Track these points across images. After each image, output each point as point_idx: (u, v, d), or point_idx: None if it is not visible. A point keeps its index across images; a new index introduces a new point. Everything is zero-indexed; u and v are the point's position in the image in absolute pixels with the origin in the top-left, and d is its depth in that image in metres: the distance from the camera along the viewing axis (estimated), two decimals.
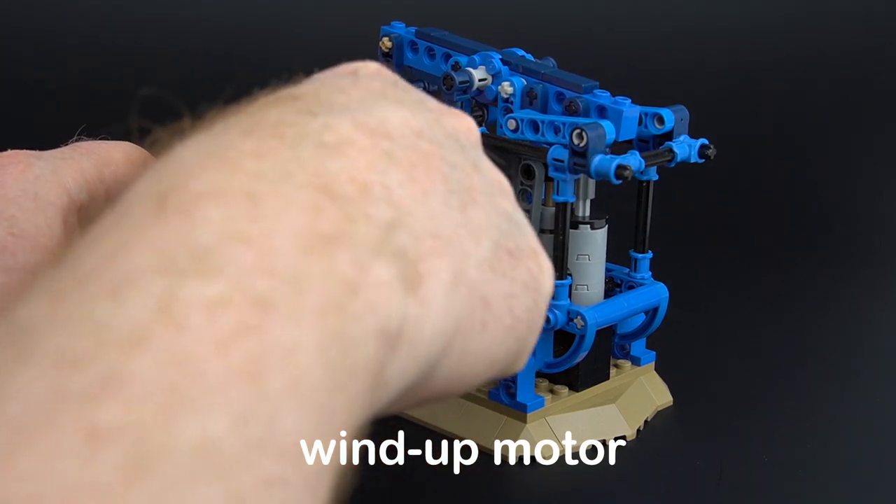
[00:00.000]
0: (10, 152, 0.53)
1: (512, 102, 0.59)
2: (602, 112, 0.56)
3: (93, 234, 0.30)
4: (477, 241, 0.36)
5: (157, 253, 0.28)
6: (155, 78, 1.09)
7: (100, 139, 0.57)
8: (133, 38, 1.13)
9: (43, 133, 0.59)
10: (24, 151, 0.53)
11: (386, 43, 0.64)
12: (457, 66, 0.61)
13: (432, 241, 0.33)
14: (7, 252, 0.48)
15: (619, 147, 0.57)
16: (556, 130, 0.56)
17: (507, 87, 0.59)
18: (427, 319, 0.32)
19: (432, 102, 0.39)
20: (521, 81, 0.59)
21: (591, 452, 0.59)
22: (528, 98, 0.58)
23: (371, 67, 0.41)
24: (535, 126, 0.57)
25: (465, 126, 0.39)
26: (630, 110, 0.56)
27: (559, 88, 0.58)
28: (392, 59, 0.64)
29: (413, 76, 0.65)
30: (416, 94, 0.39)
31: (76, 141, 0.57)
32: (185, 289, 0.27)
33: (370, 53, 0.67)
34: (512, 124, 0.58)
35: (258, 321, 0.27)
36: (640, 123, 0.59)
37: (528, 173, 0.59)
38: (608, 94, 0.57)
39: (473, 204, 0.36)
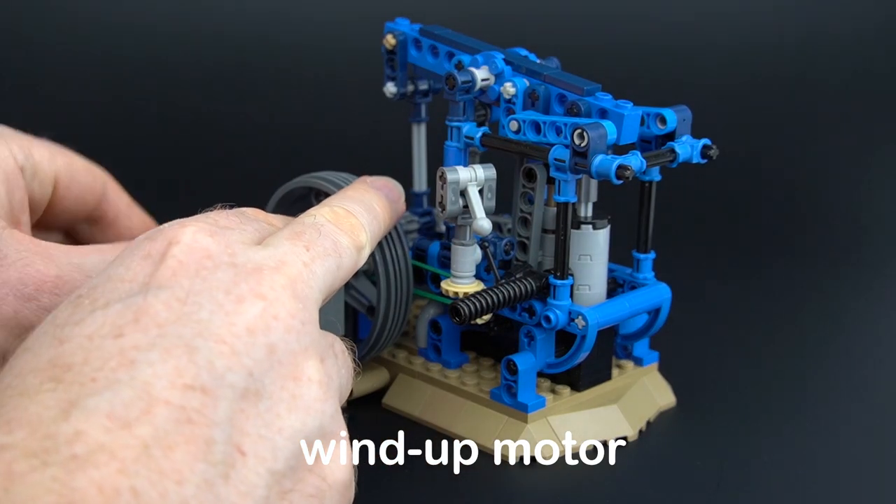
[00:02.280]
0: None
1: (514, 103, 0.59)
2: (603, 115, 0.56)
3: None
4: None
5: None
6: (158, 74, 1.09)
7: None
8: (136, 36, 1.13)
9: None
10: None
11: (390, 40, 0.64)
12: (460, 66, 0.61)
13: None
14: None
15: (620, 148, 0.57)
16: (558, 131, 0.56)
17: (509, 88, 0.59)
18: None
19: (225, 308, 0.39)
20: (524, 82, 0.59)
21: (593, 453, 0.59)
22: (531, 99, 0.58)
23: (182, 249, 0.40)
24: (536, 127, 0.57)
25: (262, 324, 0.39)
26: (632, 114, 0.56)
27: (561, 90, 0.58)
28: (396, 56, 0.64)
29: (416, 73, 0.65)
30: (213, 300, 0.39)
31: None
32: None
33: (374, 49, 0.67)
34: (514, 125, 0.58)
35: None
36: (642, 124, 0.58)
37: (530, 176, 0.59)
38: (610, 96, 0.57)
39: (241, 460, 0.36)
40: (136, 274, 0.40)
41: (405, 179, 0.61)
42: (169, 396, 0.36)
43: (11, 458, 0.33)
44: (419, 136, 0.68)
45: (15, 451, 0.33)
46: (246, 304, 0.39)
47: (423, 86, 0.66)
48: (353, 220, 0.49)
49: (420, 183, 0.69)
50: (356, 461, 0.44)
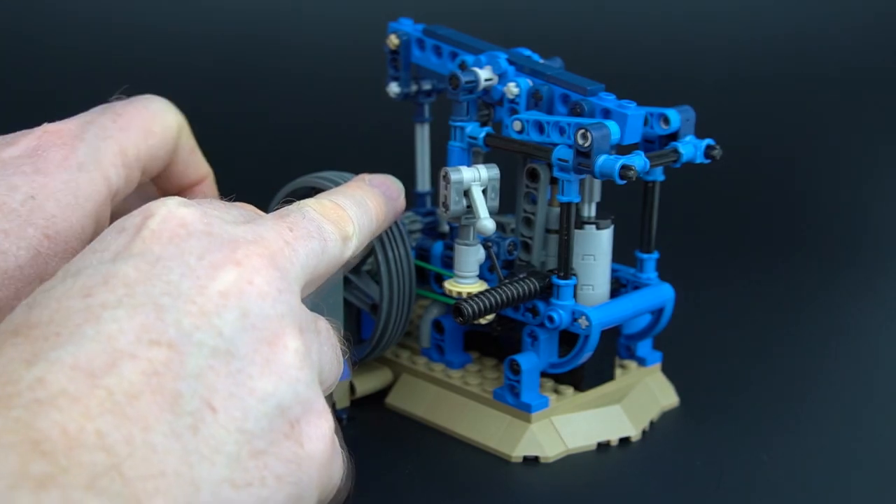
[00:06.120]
0: (52, 128, 0.51)
1: (517, 103, 0.59)
2: (607, 115, 0.56)
3: None
4: (211, 461, 0.36)
5: None
6: (162, 71, 1.09)
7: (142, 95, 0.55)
8: (140, 29, 1.13)
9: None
10: (66, 127, 0.51)
11: (393, 40, 0.64)
12: (463, 66, 0.61)
13: (152, 480, 0.34)
14: (40, 258, 0.47)
15: (624, 148, 0.57)
16: (562, 131, 0.56)
17: (512, 88, 0.59)
18: None
19: (196, 273, 0.39)
20: (527, 83, 0.59)
21: (596, 453, 0.59)
22: (534, 99, 0.58)
23: (157, 220, 0.40)
24: (540, 127, 0.57)
25: (236, 287, 0.39)
26: (635, 114, 0.56)
27: (565, 90, 0.58)
28: (399, 57, 0.64)
29: (419, 73, 0.65)
30: (184, 264, 0.39)
31: (118, 98, 0.55)
32: None
33: (378, 49, 0.67)
34: (517, 125, 0.58)
35: None
36: (645, 124, 0.58)
37: (534, 176, 0.59)
38: (614, 96, 0.57)
39: (211, 415, 0.36)
40: (110, 245, 0.40)
41: (408, 179, 0.61)
42: (134, 350, 0.36)
43: None
44: (422, 135, 0.68)
45: None
46: (219, 270, 0.39)
47: (427, 86, 0.66)
48: (340, 211, 0.49)
49: (423, 182, 0.69)
50: (343, 445, 0.44)
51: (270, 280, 0.40)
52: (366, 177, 0.55)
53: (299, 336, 0.40)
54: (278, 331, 0.40)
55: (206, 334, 0.38)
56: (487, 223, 0.57)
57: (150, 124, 0.54)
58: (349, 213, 0.49)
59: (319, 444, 0.40)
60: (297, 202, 0.48)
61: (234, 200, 0.47)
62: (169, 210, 0.41)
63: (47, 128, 0.51)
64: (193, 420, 0.36)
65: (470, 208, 0.57)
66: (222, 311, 0.38)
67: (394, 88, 0.65)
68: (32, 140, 0.50)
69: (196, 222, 0.41)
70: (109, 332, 0.36)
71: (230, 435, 0.37)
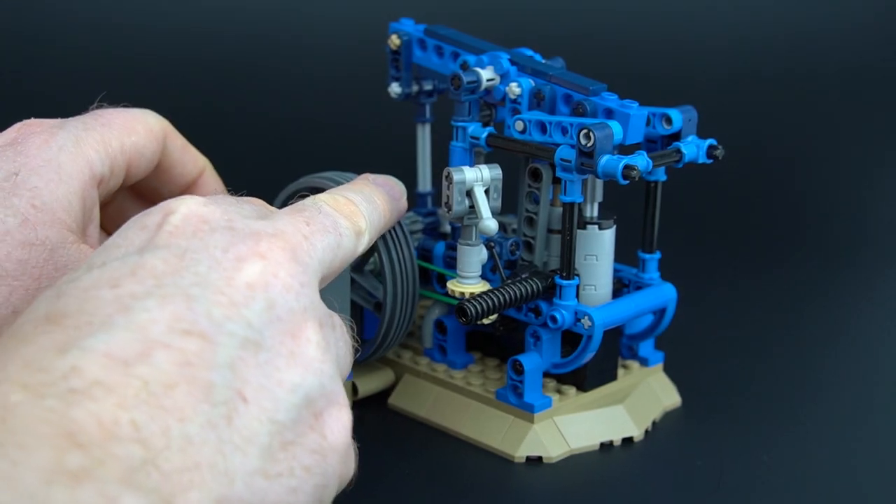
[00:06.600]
0: (32, 121, 0.52)
1: (519, 103, 0.59)
2: (609, 115, 0.56)
3: None
4: (244, 452, 0.36)
5: None
6: (159, 73, 1.09)
7: (121, 106, 0.56)
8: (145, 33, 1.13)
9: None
10: (47, 120, 0.52)
11: (394, 40, 0.64)
12: (465, 66, 0.61)
13: (187, 473, 0.34)
14: (28, 225, 0.48)
15: (626, 148, 0.57)
16: (564, 131, 0.56)
17: (514, 88, 0.59)
18: None
19: (223, 265, 0.39)
20: (529, 83, 0.59)
21: (599, 453, 0.59)
22: (536, 99, 0.58)
23: (178, 216, 0.41)
24: (542, 127, 0.57)
25: (262, 281, 0.39)
26: (637, 113, 0.55)
27: (567, 90, 0.58)
28: (400, 57, 0.64)
29: (421, 74, 0.65)
30: (211, 257, 0.39)
31: (98, 108, 0.56)
32: None
33: (379, 48, 0.67)
34: (520, 125, 0.58)
35: None
36: (647, 124, 0.58)
37: (536, 175, 0.59)
38: (616, 96, 0.56)
39: (243, 406, 0.36)
40: (133, 240, 0.40)
41: (410, 179, 0.61)
42: (167, 340, 0.36)
43: (7, 391, 0.33)
44: (424, 136, 0.68)
45: (9, 385, 0.33)
46: (244, 262, 0.39)
47: (428, 86, 0.66)
48: (352, 206, 0.49)
49: (424, 183, 0.69)
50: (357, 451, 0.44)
51: (293, 273, 0.41)
52: (369, 176, 0.55)
53: (319, 330, 0.41)
54: (301, 324, 0.40)
55: (237, 325, 0.37)
56: (490, 223, 0.57)
57: (133, 123, 0.55)
58: (361, 209, 0.49)
59: (341, 435, 0.40)
60: (311, 197, 0.48)
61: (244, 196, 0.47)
62: (188, 207, 0.41)
63: (26, 121, 0.52)
64: (227, 410, 0.36)
65: (472, 208, 0.57)
66: (251, 303, 0.38)
67: (395, 89, 0.65)
68: (12, 132, 0.51)
69: (217, 218, 0.41)
70: (141, 322, 0.36)
71: (263, 426, 0.37)
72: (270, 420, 0.37)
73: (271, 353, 0.38)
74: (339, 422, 0.40)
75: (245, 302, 0.38)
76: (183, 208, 0.41)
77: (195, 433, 0.35)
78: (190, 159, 0.58)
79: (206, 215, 0.41)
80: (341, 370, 0.43)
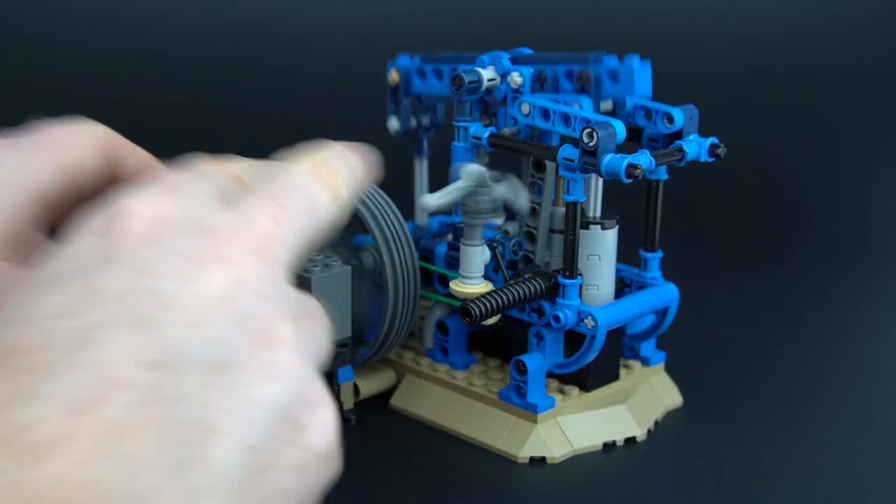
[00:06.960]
0: None
1: (521, 93, 0.58)
2: (615, 77, 0.56)
3: None
4: (217, 491, 0.34)
5: None
6: (153, 81, 1.09)
7: (57, 120, 0.55)
8: (134, 41, 1.13)
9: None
10: None
11: (394, 76, 0.64)
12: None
13: None
14: None
15: (629, 146, 0.57)
16: (567, 121, 0.56)
17: (516, 78, 0.58)
18: None
19: (189, 278, 0.36)
20: (529, 70, 0.59)
21: (602, 453, 0.59)
22: (539, 82, 0.58)
23: (135, 221, 0.37)
24: (545, 114, 0.57)
25: (225, 285, 0.37)
26: (641, 67, 0.55)
27: (567, 66, 0.58)
28: (399, 92, 0.65)
29: (419, 107, 0.65)
30: (173, 268, 0.36)
31: (37, 122, 0.55)
32: None
33: (379, 49, 0.67)
34: (525, 108, 0.57)
35: None
36: (649, 120, 0.58)
37: (539, 166, 0.59)
38: (615, 57, 0.56)
39: (215, 438, 0.34)
40: (83, 250, 0.37)
41: (407, 209, 0.61)
42: (130, 376, 0.33)
43: None
44: (421, 170, 0.67)
45: None
46: (210, 270, 0.36)
47: (426, 121, 0.66)
48: (334, 174, 0.46)
49: (422, 216, 0.67)
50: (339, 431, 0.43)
51: (263, 276, 0.38)
52: (337, 144, 0.53)
53: (294, 329, 0.39)
54: (273, 328, 0.38)
55: (205, 348, 0.35)
56: (428, 199, 0.57)
57: (68, 136, 0.53)
58: (340, 172, 0.47)
59: (325, 440, 0.39)
60: (290, 161, 0.45)
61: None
62: (146, 207, 0.38)
63: None
64: (196, 448, 0.34)
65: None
66: (218, 319, 0.36)
67: (394, 124, 0.65)
68: None
69: (177, 217, 0.38)
70: (103, 358, 0.33)
71: (236, 457, 0.35)
72: (245, 448, 0.35)
73: (243, 370, 0.36)
74: (323, 425, 0.38)
75: (213, 319, 0.36)
76: (141, 209, 0.38)
77: (160, 482, 0.33)
78: (142, 155, 0.57)
79: (164, 214, 0.38)
80: (320, 359, 0.41)
